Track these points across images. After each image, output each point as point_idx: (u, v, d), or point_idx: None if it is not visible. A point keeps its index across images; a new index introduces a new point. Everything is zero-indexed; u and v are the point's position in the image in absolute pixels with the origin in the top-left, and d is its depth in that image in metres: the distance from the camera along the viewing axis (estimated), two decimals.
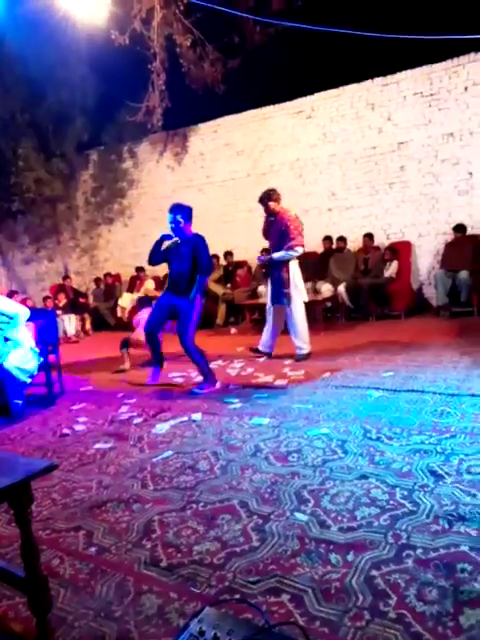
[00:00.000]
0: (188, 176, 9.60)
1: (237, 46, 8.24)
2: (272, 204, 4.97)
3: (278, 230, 4.91)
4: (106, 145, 10.30)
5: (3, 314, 3.78)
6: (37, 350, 4.00)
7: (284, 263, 4.87)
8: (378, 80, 7.80)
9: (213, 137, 9.32)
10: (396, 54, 7.06)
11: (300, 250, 4.87)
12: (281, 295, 4.89)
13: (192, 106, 9.00)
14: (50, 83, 9.31)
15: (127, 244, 10.38)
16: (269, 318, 5.16)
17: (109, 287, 9.92)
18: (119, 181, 10.38)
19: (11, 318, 3.80)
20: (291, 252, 4.83)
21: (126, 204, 10.44)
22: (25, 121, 9.68)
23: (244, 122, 8.96)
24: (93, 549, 1.87)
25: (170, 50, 8.34)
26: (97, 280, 10.33)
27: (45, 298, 9.40)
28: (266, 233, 5.16)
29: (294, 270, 4.93)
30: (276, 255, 4.89)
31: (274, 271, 4.98)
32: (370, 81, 7.86)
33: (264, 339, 5.20)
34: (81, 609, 1.54)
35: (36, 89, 9.40)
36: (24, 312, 3.91)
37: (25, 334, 3.94)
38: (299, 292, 4.96)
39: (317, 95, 8.29)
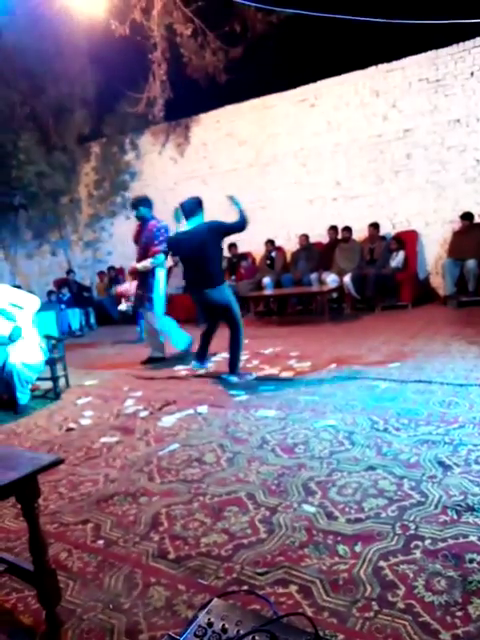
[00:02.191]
0: (191, 167, 9.55)
1: (239, 35, 8.15)
2: (143, 210, 5.16)
3: (145, 237, 5.10)
4: (107, 137, 10.24)
5: (14, 305, 3.81)
6: (43, 345, 4.01)
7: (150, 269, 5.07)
8: (382, 66, 7.70)
9: (216, 127, 9.25)
10: (400, 39, 6.97)
11: (161, 258, 5.06)
12: (145, 299, 5.08)
13: (194, 96, 8.93)
14: (50, 75, 9.24)
15: (130, 237, 10.32)
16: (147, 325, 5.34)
17: (112, 280, 9.92)
18: (121, 173, 10.34)
19: (22, 308, 3.84)
20: (152, 260, 5.01)
21: (128, 197, 10.39)
22: (25, 114, 9.62)
23: (247, 111, 8.89)
24: (101, 542, 1.88)
25: (171, 40, 8.27)
26: (101, 274, 10.33)
27: (49, 293, 9.41)
28: (136, 238, 5.34)
29: (160, 276, 5.13)
30: (140, 265, 5.08)
31: (141, 276, 5.14)
32: (374, 67, 7.77)
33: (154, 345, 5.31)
34: (90, 601, 1.55)
35: (36, 81, 9.34)
36: (35, 301, 3.95)
37: (31, 329, 3.95)
38: (160, 299, 5.13)
39: (320, 83, 8.20)
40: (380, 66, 7.72)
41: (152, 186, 9.98)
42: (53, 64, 9.03)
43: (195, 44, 8.30)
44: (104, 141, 10.38)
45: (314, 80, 8.20)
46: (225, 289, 4.08)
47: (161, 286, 5.14)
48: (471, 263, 6.58)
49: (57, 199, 10.70)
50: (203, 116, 9.35)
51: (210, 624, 0.93)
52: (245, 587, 1.53)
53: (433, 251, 7.69)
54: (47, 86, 9.45)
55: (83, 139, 10.34)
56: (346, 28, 6.67)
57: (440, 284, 7.31)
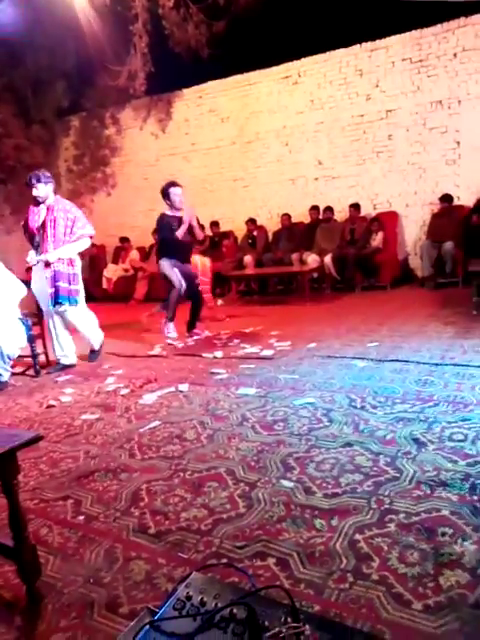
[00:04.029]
0: (172, 143, 9.38)
1: (222, 8, 7.95)
2: (49, 187, 4.26)
3: (64, 219, 4.22)
4: (87, 111, 9.98)
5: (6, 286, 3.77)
6: (24, 321, 3.97)
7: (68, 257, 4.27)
8: (366, 45, 7.62)
9: (198, 103, 9.08)
10: (385, 18, 6.87)
11: (89, 241, 4.42)
12: (70, 293, 4.23)
13: (176, 71, 8.71)
14: (28, 45, 8.90)
15: (111, 214, 10.18)
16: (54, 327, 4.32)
17: (93, 258, 9.77)
18: (101, 148, 10.11)
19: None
20: (84, 242, 4.34)
21: (109, 172, 10.20)
22: (2, 85, 9.30)
23: (229, 88, 8.73)
24: (81, 517, 1.89)
25: (152, 11, 8.02)
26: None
27: (28, 269, 9.21)
28: (34, 223, 4.28)
29: (79, 263, 4.40)
30: (62, 251, 4.22)
31: (58, 267, 4.25)
32: (358, 46, 7.68)
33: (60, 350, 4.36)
34: (70, 576, 1.56)
35: (13, 52, 9.00)
36: (22, 289, 3.89)
37: (14, 307, 3.90)
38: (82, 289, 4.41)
39: (304, 60, 8.08)
40: (364, 44, 7.63)
41: (133, 162, 9.81)
42: (31, 34, 8.68)
43: (177, 16, 8.08)
44: (84, 115, 10.11)
45: (298, 57, 8.07)
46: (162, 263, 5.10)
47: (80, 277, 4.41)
48: (448, 245, 6.66)
49: None
50: (185, 91, 9.16)
51: (189, 597, 0.95)
52: (224, 560, 1.56)
53: (412, 233, 7.75)
54: (25, 57, 9.11)
55: (62, 112, 10.05)
56: (331, 5, 6.56)
57: (419, 265, 7.38)
